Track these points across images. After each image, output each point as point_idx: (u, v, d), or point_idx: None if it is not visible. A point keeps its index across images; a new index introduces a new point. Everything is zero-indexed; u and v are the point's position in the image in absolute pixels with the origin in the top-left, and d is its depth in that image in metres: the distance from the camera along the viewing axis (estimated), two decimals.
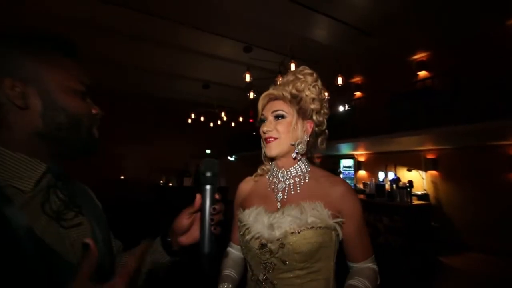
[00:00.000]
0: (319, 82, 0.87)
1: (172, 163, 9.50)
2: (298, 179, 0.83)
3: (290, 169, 0.84)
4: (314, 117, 0.85)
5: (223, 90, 8.59)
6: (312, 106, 0.84)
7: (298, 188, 0.82)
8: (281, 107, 0.82)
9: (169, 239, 0.67)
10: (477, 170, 5.21)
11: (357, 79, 7.73)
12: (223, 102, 9.17)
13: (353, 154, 8.04)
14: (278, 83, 0.89)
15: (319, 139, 0.88)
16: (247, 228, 0.79)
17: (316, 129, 0.86)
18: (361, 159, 7.73)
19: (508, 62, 4.35)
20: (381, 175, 6.29)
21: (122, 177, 9.12)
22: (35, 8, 4.62)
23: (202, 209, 0.59)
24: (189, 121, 8.87)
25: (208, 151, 11.07)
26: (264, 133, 0.83)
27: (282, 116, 0.82)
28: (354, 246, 0.80)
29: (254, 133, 9.37)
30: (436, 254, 4.50)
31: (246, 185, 0.93)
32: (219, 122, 9.16)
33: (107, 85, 8.15)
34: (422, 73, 6.13)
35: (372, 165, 7.24)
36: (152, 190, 9.03)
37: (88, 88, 0.59)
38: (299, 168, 0.84)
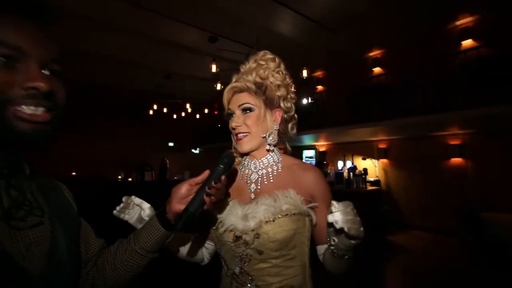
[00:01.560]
0: (282, 67, 0.85)
1: (131, 157, 8.94)
2: (271, 169, 0.82)
3: (262, 159, 0.83)
4: (282, 104, 0.83)
5: (187, 80, 8.27)
6: (278, 93, 0.83)
7: (271, 178, 0.81)
8: (247, 99, 0.79)
9: (165, 211, 0.66)
10: (420, 157, 5.86)
11: (319, 73, 8.04)
12: (188, 93, 8.84)
13: (314, 145, 8.44)
14: (241, 70, 0.86)
15: (289, 125, 0.87)
16: (220, 222, 0.77)
17: (285, 115, 0.85)
18: (322, 149, 8.16)
19: (447, 63, 4.93)
20: (340, 164, 6.72)
21: (73, 174, 8.34)
22: None
23: (205, 181, 0.65)
24: (151, 112, 8.40)
25: (171, 144, 10.66)
26: (233, 128, 0.81)
27: (250, 109, 0.79)
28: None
29: (219, 125, 9.25)
30: (384, 233, 5.02)
31: None
32: (183, 114, 8.84)
33: None
34: (377, 70, 6.62)
35: (332, 155, 7.70)
36: (108, 187, 8.42)
37: (20, 52, 0.44)
38: (271, 158, 0.83)
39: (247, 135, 0.80)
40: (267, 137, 0.80)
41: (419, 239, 5.06)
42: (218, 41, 5.89)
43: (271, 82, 0.82)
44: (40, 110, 0.46)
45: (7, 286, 0.41)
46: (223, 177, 0.66)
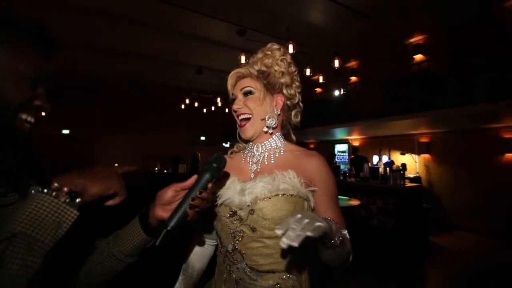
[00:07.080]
0: (287, 56, 0.87)
1: (166, 150, 9.43)
2: (273, 152, 0.84)
3: (264, 142, 0.85)
4: (285, 91, 0.86)
5: (217, 75, 8.40)
6: (282, 80, 0.85)
7: (272, 159, 0.83)
8: (248, 83, 0.83)
9: (148, 215, 0.63)
10: (469, 153, 5.31)
11: (352, 63, 7.64)
12: (218, 87, 9.01)
13: (347, 139, 8.10)
14: (250, 60, 0.89)
15: (293, 112, 0.89)
16: (218, 195, 0.79)
17: (288, 102, 0.87)
18: (356, 143, 7.79)
19: (504, 46, 4.35)
20: (375, 159, 6.37)
21: (116, 165, 9.04)
22: None
23: (191, 188, 0.61)
24: (183, 107, 8.73)
25: (202, 138, 11.01)
26: (235, 111, 0.85)
27: (250, 92, 0.83)
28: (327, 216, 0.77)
29: None
30: (426, 234, 4.66)
31: None
32: (213, 108, 9.05)
33: (96, 72, 7.90)
34: (418, 57, 6.09)
35: (366, 149, 7.32)
36: (147, 177, 9.00)
37: (43, 78, 0.55)
38: (274, 142, 0.85)
39: (249, 119, 0.83)
40: (266, 119, 0.82)
41: (465, 241, 4.62)
42: (246, 34, 5.87)
43: (275, 70, 0.85)
44: None
45: None
46: (210, 185, 0.61)
